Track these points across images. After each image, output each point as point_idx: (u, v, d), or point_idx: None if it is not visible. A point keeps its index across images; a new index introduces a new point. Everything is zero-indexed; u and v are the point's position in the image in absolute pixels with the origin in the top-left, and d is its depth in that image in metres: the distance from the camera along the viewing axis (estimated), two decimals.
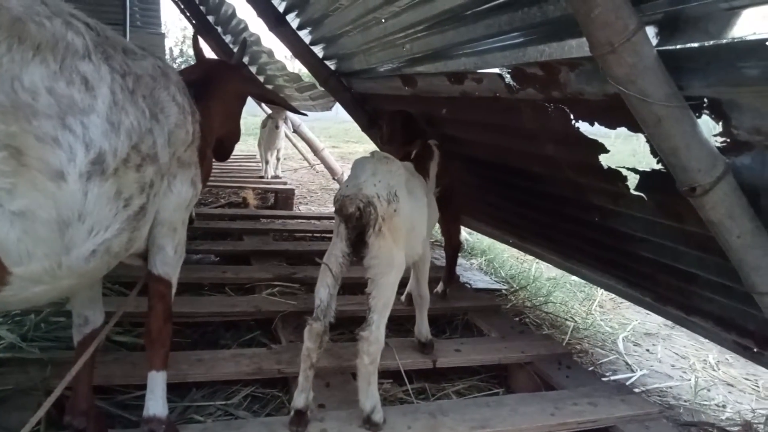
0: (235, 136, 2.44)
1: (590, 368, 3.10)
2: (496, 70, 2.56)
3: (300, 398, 1.99)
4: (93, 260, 1.33)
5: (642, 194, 2.30)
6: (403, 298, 3.16)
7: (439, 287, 3.40)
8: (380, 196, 1.97)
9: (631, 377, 3.12)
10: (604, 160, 2.37)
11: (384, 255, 1.98)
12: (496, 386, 2.75)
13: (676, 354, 3.58)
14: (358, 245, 2.01)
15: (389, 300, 2.05)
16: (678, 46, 1.63)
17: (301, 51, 4.80)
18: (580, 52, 2.00)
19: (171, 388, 2.26)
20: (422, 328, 2.66)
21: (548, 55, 2.17)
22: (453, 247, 3.41)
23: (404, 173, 2.26)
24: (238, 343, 2.83)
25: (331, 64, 4.92)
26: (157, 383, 1.78)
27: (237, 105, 2.33)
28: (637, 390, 2.98)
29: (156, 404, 1.79)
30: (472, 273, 4.77)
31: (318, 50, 4.88)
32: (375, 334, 1.97)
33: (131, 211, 1.40)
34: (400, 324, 3.21)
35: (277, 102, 2.52)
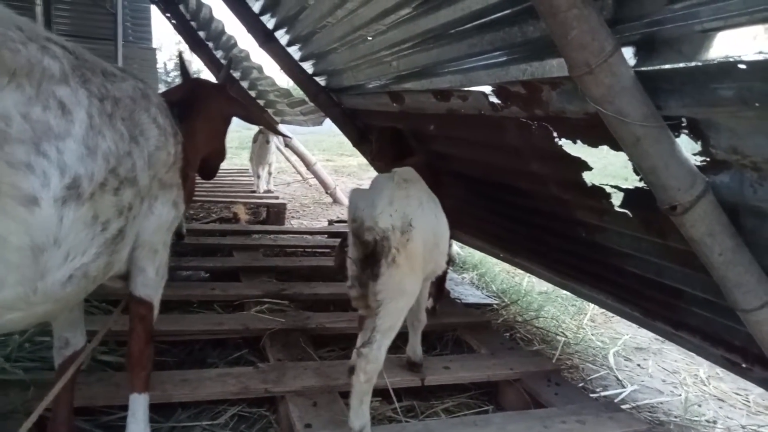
0: (220, 155, 2.45)
1: (580, 384, 3.10)
2: (481, 89, 2.58)
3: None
4: (70, 285, 1.32)
5: (626, 211, 2.31)
6: None
7: (429, 303, 3.38)
8: (395, 227, 1.96)
9: (621, 393, 3.11)
10: (589, 176, 2.38)
11: (394, 283, 1.98)
12: (485, 403, 2.74)
13: (667, 369, 3.58)
14: (370, 266, 2.00)
15: (395, 324, 2.04)
16: (655, 67, 1.64)
17: (290, 67, 4.83)
18: (561, 71, 2.01)
19: (156, 409, 2.25)
20: (416, 348, 2.65)
21: (530, 74, 2.19)
22: None
23: (422, 194, 2.24)
24: (226, 362, 2.81)
25: (321, 80, 4.95)
26: (138, 406, 1.77)
27: (222, 125, 2.33)
28: (627, 406, 2.98)
29: (138, 427, 1.77)
30: (463, 287, 4.77)
31: (308, 66, 4.91)
32: (375, 353, 1.96)
33: (109, 235, 1.39)
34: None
35: (262, 123, 2.52)
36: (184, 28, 7.64)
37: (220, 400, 2.35)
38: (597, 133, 2.00)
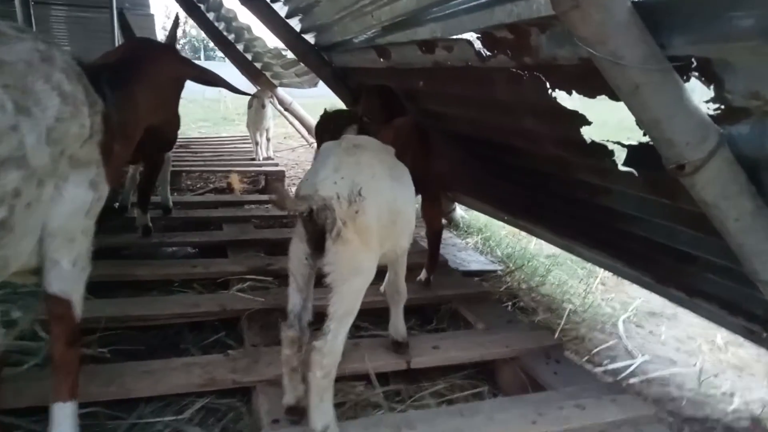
0: (172, 124, 2.19)
1: (585, 357, 2.87)
2: (466, 36, 2.29)
3: (289, 396, 1.89)
4: None
5: (631, 170, 2.03)
6: (381, 288, 2.93)
7: (423, 274, 3.16)
8: (340, 196, 1.73)
9: (630, 365, 2.88)
10: (588, 132, 2.10)
11: (344, 261, 1.76)
12: (481, 383, 2.53)
13: (682, 335, 3.34)
14: (321, 246, 1.79)
15: (352, 308, 1.82)
16: None
17: (275, 25, 4.53)
18: (549, 10, 1.71)
19: (116, 404, 2.08)
20: (398, 325, 2.43)
21: (516, 15, 1.90)
22: (435, 232, 3.16)
23: (382, 161, 2.00)
24: (200, 347, 2.63)
25: (310, 38, 4.64)
26: (64, 417, 1.57)
27: (171, 89, 2.06)
28: (636, 380, 2.76)
29: None
30: (466, 253, 4.53)
31: (295, 23, 4.60)
32: (330, 344, 1.74)
33: None
34: (378, 316, 2.98)
35: (220, 84, 2.23)
36: None
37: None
38: (593, 81, 1.71)
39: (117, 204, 4.08)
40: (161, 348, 2.62)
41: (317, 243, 1.76)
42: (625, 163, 2.02)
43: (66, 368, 1.56)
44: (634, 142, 1.86)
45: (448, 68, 2.59)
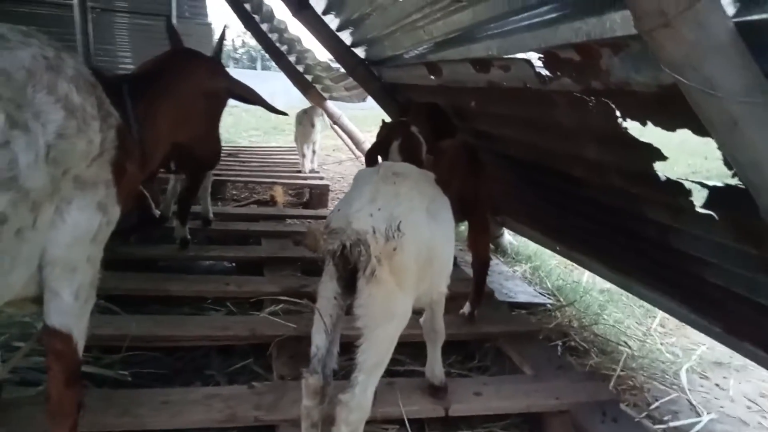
0: (205, 142, 2.02)
1: (644, 413, 2.59)
2: (525, 56, 2.09)
3: None
4: None
5: (711, 212, 1.78)
6: (422, 320, 2.73)
7: (466, 308, 2.94)
8: (376, 230, 1.54)
9: (695, 424, 2.59)
10: (662, 167, 1.86)
11: (377, 304, 1.57)
12: None
13: (753, 391, 3.00)
14: (352, 285, 1.61)
15: (383, 358, 1.64)
16: (765, 15, 1.12)
17: (326, 37, 4.42)
18: (625, 29, 1.50)
19: None
20: (435, 368, 2.22)
21: (585, 33, 1.68)
22: (482, 263, 2.93)
23: (422, 193, 1.79)
24: (226, 373, 2.49)
25: (360, 51, 4.51)
26: None
27: (203, 105, 1.90)
28: None
29: None
30: (513, 282, 4.27)
31: (345, 36, 4.48)
32: (358, 399, 1.56)
33: None
34: (417, 349, 2.77)
35: (257, 102, 2.07)
36: (233, 1, 7.37)
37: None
38: (674, 112, 1.49)
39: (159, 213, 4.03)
40: (185, 372, 2.50)
41: (348, 282, 1.59)
42: (704, 206, 1.77)
43: (63, 411, 1.41)
44: (719, 183, 1.61)
45: (504, 88, 2.40)
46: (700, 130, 1.42)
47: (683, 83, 1.15)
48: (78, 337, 1.41)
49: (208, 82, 1.88)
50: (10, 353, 2.23)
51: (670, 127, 1.57)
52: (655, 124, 1.65)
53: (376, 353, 1.58)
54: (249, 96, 1.99)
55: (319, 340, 1.69)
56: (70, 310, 1.36)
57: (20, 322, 2.39)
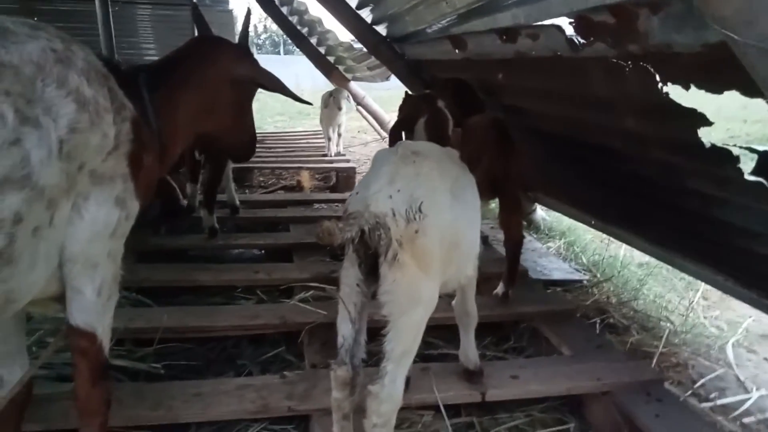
0: (235, 132, 1.95)
1: (689, 391, 2.48)
2: (555, 21, 1.98)
3: None
4: None
5: (761, 179, 1.66)
6: (453, 303, 2.66)
7: (500, 288, 2.86)
8: (396, 212, 1.46)
9: (745, 400, 2.47)
10: (707, 134, 1.75)
11: (402, 290, 1.50)
12: (566, 416, 2.23)
13: None
14: (375, 271, 1.55)
15: (411, 346, 1.58)
16: None
17: (346, 16, 4.34)
18: None
19: (164, 429, 1.94)
20: (469, 352, 2.16)
21: None
22: (514, 242, 2.84)
23: (445, 172, 1.70)
24: (258, 362, 2.47)
25: (382, 29, 4.41)
26: None
27: (230, 93, 1.82)
28: (752, 419, 2.35)
29: None
30: (548, 259, 4.16)
31: (366, 14, 4.38)
32: (388, 389, 1.50)
33: None
34: (452, 332, 2.72)
35: (279, 90, 1.99)
36: None
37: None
38: (721, 73, 1.38)
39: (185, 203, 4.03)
40: (218, 362, 2.49)
41: (371, 268, 1.52)
42: (753, 172, 1.65)
43: (91, 409, 1.40)
44: None
45: (533, 59, 2.29)
46: (749, 91, 1.31)
47: (735, 40, 1.04)
48: (102, 335, 1.38)
49: (233, 70, 1.81)
50: (44, 349, 2.24)
51: (716, 89, 1.46)
52: (699, 87, 1.53)
53: (403, 341, 1.53)
54: (274, 86, 1.92)
55: (345, 329, 1.63)
56: (93, 308, 1.34)
57: (53, 318, 2.40)
